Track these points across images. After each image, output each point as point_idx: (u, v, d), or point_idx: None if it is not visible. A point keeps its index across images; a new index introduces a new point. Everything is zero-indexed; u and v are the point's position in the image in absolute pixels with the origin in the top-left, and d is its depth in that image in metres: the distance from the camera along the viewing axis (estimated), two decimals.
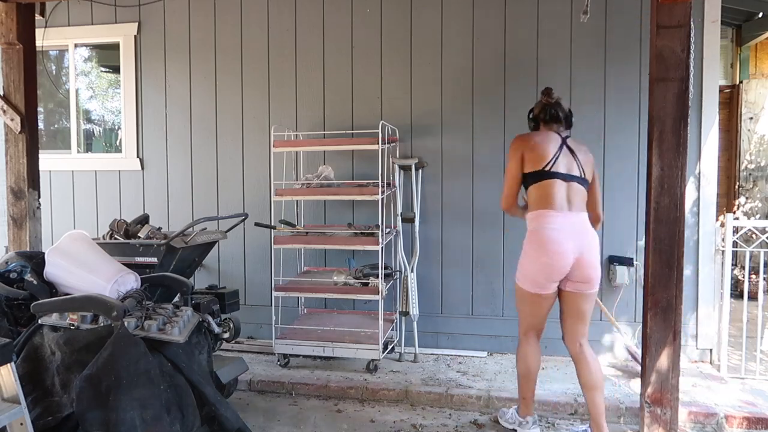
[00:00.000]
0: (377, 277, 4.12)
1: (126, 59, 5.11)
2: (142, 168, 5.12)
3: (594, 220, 3.19)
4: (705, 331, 4.24)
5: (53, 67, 5.70)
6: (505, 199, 3.23)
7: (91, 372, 2.64)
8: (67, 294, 3.08)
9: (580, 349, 3.17)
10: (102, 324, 2.86)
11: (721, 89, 5.82)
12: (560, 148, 3.11)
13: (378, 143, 4.06)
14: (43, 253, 3.29)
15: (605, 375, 4.06)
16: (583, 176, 3.13)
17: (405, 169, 4.47)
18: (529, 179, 3.12)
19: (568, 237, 3.01)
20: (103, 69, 5.68)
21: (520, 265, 3.18)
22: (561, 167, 3.07)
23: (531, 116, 3.33)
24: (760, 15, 6.02)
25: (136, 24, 5.06)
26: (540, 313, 3.20)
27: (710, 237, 4.18)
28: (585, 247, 3.03)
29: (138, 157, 5.12)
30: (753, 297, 4.30)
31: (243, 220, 4.14)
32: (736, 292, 5.46)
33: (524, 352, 3.25)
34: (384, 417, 3.57)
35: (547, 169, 3.06)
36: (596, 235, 3.13)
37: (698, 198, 4.20)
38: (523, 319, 3.26)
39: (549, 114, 3.22)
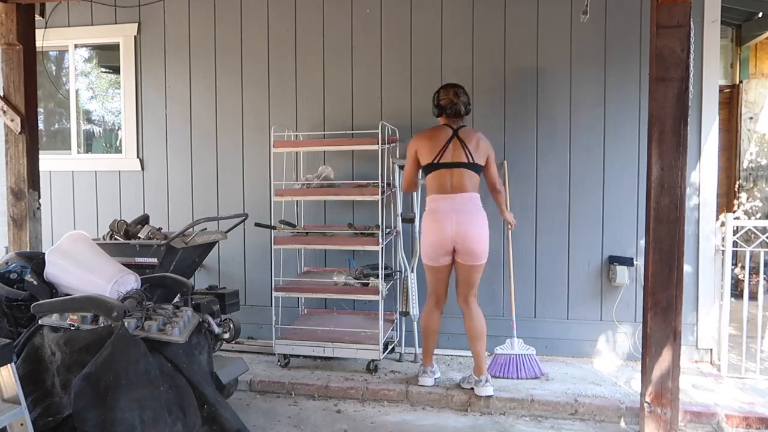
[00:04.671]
0: (377, 277, 4.12)
1: (126, 60, 5.11)
2: (142, 168, 5.12)
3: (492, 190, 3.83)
4: (705, 331, 4.24)
5: (53, 68, 5.71)
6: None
7: (90, 371, 2.64)
8: (68, 294, 3.08)
9: (466, 304, 3.73)
10: (102, 324, 2.86)
11: (721, 89, 5.82)
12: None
13: (378, 143, 4.06)
14: (43, 254, 3.29)
15: (605, 375, 4.07)
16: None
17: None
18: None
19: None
20: (103, 69, 5.68)
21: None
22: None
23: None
24: (760, 15, 6.01)
25: (136, 24, 5.06)
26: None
27: (710, 237, 4.18)
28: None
29: (138, 157, 5.12)
30: (753, 297, 4.30)
31: (243, 221, 4.14)
32: (737, 292, 5.46)
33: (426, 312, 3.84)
34: (384, 417, 3.57)
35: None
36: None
37: (698, 198, 4.20)
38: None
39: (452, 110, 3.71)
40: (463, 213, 3.56)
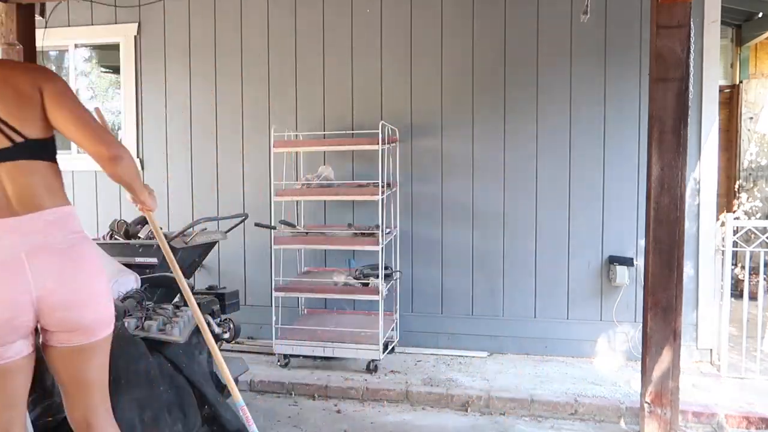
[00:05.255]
0: (377, 277, 4.12)
1: (126, 60, 5.11)
2: (142, 168, 5.12)
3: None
4: (705, 331, 4.24)
5: (53, 68, 5.70)
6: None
7: None
8: None
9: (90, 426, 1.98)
10: None
11: (721, 89, 5.81)
12: None
13: (378, 143, 4.06)
14: None
15: (604, 375, 4.06)
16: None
17: None
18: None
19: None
20: (103, 69, 5.68)
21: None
22: None
23: None
24: (760, 15, 6.01)
25: (136, 24, 5.06)
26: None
27: (710, 237, 4.18)
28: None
29: (138, 157, 5.12)
30: (753, 297, 4.30)
31: (243, 221, 4.14)
32: (737, 292, 5.45)
33: None
34: (384, 417, 3.57)
35: None
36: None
37: (698, 198, 4.20)
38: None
39: None
40: (46, 252, 1.82)
